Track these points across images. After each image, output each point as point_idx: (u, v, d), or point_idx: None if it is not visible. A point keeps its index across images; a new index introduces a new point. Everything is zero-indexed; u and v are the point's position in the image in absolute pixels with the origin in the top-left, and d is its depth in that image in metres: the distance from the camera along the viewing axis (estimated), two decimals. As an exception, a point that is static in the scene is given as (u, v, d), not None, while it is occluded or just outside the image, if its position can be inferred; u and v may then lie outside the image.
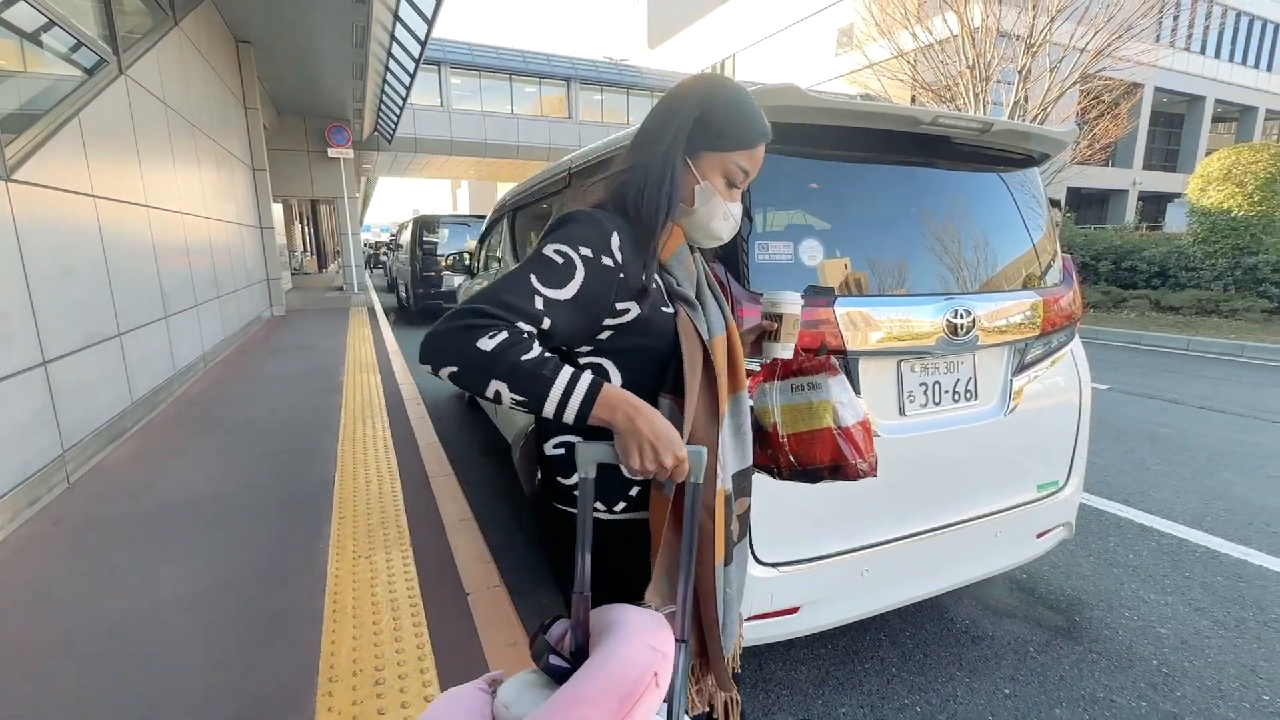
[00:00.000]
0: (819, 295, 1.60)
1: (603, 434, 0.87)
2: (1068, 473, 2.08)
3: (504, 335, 0.79)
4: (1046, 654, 2.03)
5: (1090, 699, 1.82)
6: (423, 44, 9.02)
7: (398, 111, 13.76)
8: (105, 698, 1.62)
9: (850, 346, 1.58)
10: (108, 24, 4.12)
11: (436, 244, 10.09)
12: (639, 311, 0.90)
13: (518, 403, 0.81)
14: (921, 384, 1.75)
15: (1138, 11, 11.97)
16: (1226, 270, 9.82)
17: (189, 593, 2.11)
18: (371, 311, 10.23)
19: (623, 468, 0.85)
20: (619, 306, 0.89)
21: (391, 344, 7.23)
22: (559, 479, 0.97)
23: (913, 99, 14.54)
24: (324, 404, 4.49)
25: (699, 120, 0.92)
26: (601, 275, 0.86)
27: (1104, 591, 2.40)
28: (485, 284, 0.87)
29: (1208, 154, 11.81)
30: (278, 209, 13.89)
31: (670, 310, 0.94)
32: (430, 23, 8.27)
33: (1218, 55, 25.97)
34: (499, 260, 3.76)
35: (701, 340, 0.93)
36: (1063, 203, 19.71)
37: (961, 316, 1.70)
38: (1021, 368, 1.93)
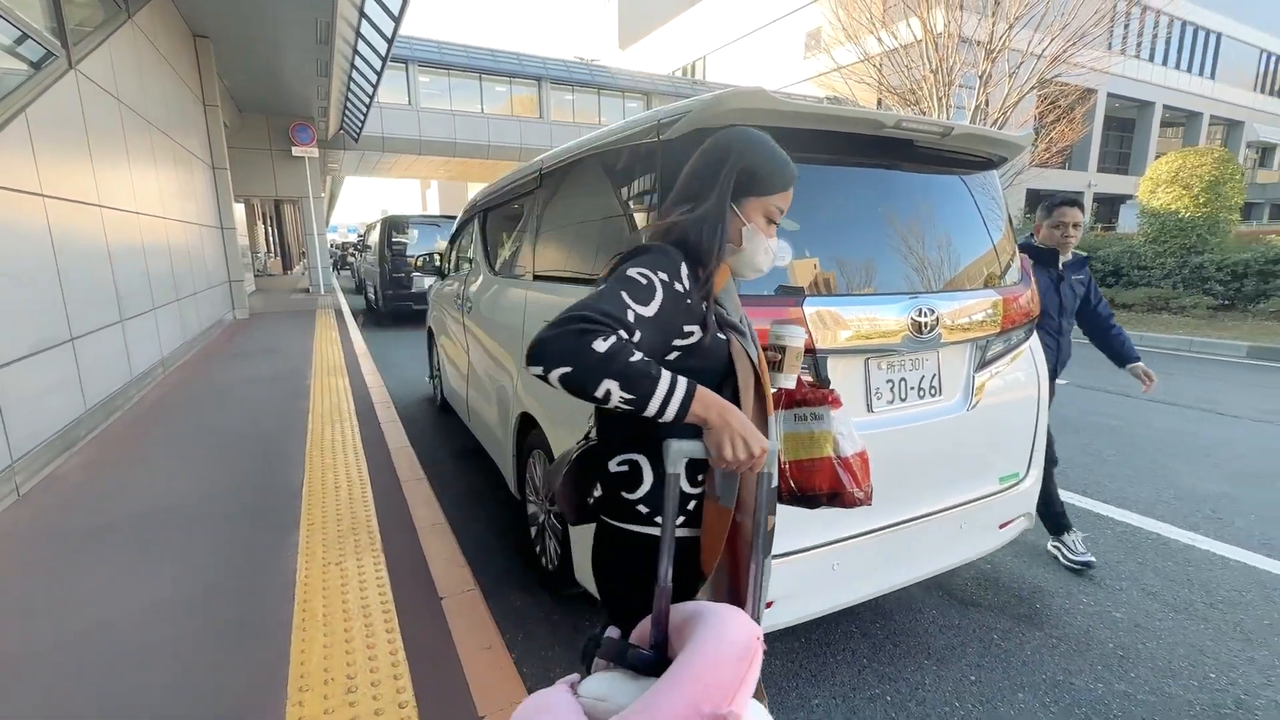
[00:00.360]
0: (788, 295, 1.63)
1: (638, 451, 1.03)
2: (1028, 465, 2.15)
3: (614, 339, 0.87)
4: (1010, 640, 2.10)
5: (1050, 682, 1.89)
6: (390, 41, 8.88)
7: (364, 110, 13.51)
8: (66, 714, 1.56)
9: (819, 345, 1.61)
10: (55, 16, 3.96)
11: (405, 244, 9.93)
12: (701, 336, 1.01)
13: (625, 401, 0.88)
14: (888, 381, 1.80)
15: (1090, 20, 12.42)
16: (1175, 269, 10.26)
17: (151, 604, 2.04)
18: (339, 313, 10.02)
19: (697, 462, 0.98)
20: (685, 329, 0.99)
21: (360, 346, 7.10)
22: (623, 494, 1.03)
23: (879, 102, 14.83)
24: (291, 408, 4.39)
25: (742, 172, 1.03)
26: (674, 299, 0.96)
27: (1063, 578, 2.49)
28: (583, 297, 0.93)
29: (1157, 157, 12.31)
30: (239, 209, 13.49)
31: (724, 337, 1.05)
32: (397, 20, 8.14)
33: (1165, 63, 27.08)
34: (470, 261, 3.72)
35: (752, 364, 1.04)
36: (1024, 205, 20.32)
37: (925, 315, 1.75)
38: (983, 364, 2.00)
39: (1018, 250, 2.42)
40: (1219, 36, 28.39)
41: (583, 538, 2.00)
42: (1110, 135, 27.75)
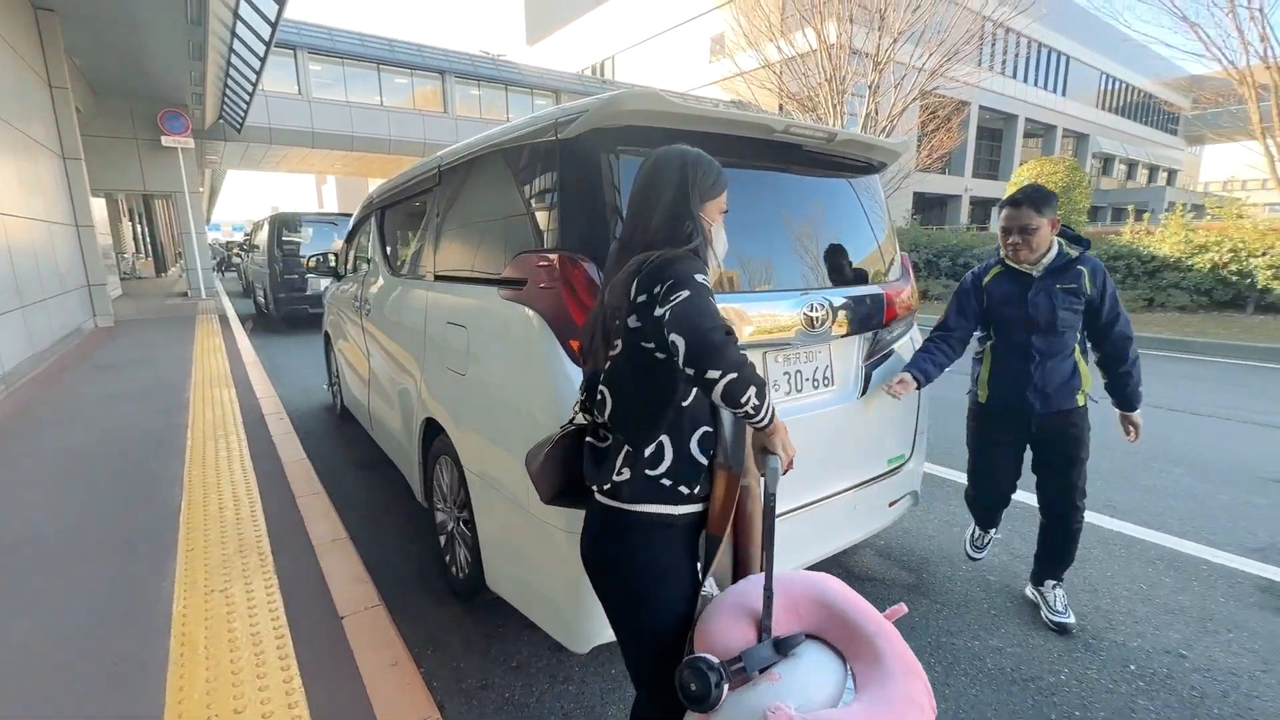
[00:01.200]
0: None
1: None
2: (912, 446, 2.33)
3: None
4: (900, 610, 2.26)
5: (935, 645, 2.06)
6: (273, 25, 8.24)
7: (247, 98, 12.47)
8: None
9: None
10: None
11: (299, 244, 9.27)
12: None
13: (754, 407, 1.01)
14: (785, 373, 1.89)
15: (962, 38, 13.62)
16: (1037, 265, 11.45)
17: (-10, 655, 1.79)
18: (224, 319, 9.21)
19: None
20: None
21: (249, 355, 6.56)
22: (646, 471, 1.11)
23: (780, 108, 15.51)
24: (166, 424, 3.99)
25: (699, 180, 1.14)
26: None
27: (946, 549, 2.72)
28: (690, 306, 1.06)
29: (1020, 165, 13.67)
30: (99, 204, 12.09)
31: None
32: (281, 2, 7.57)
33: (1026, 80, 30.16)
34: (368, 262, 3.54)
35: None
36: (911, 207, 21.95)
37: (817, 310, 1.85)
38: (870, 354, 2.14)
39: (898, 248, 2.60)
40: (1068, 59, 31.95)
41: (494, 542, 1.96)
42: (982, 144, 30.53)
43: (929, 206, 29.01)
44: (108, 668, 1.73)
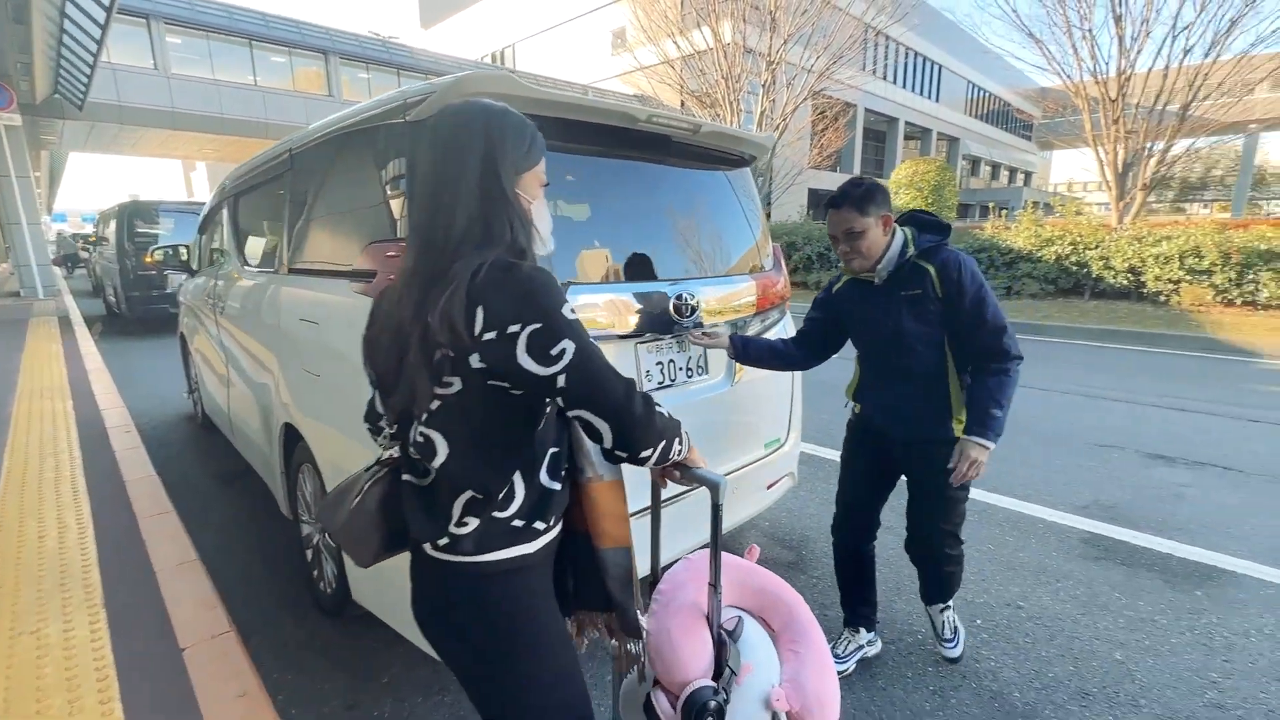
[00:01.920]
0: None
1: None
2: (787, 430, 2.43)
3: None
4: (780, 587, 2.36)
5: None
6: (114, -11, 7.30)
7: (88, 70, 10.98)
8: None
9: (591, 332, 1.64)
10: None
11: (156, 237, 8.33)
12: None
13: (677, 453, 0.98)
14: (658, 363, 1.90)
15: (846, 43, 14.47)
16: (915, 257, 12.42)
17: None
18: (65, 322, 8.11)
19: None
20: None
21: (94, 361, 5.81)
22: (495, 514, 0.90)
23: (682, 104, 15.77)
24: (-23, 445, 3.44)
25: (509, 147, 0.89)
26: None
27: (825, 526, 2.83)
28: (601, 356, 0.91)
29: (900, 164, 14.73)
30: (-104, 189, 10.25)
31: None
32: (121, -37, 6.71)
33: (905, 86, 32.55)
34: (222, 254, 3.21)
35: None
36: (805, 203, 23.11)
37: (685, 299, 1.87)
38: (743, 343, 2.19)
39: (771, 240, 2.67)
40: (940, 68, 34.77)
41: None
42: (869, 144, 32.63)
43: (822, 202, 30.61)
44: None
